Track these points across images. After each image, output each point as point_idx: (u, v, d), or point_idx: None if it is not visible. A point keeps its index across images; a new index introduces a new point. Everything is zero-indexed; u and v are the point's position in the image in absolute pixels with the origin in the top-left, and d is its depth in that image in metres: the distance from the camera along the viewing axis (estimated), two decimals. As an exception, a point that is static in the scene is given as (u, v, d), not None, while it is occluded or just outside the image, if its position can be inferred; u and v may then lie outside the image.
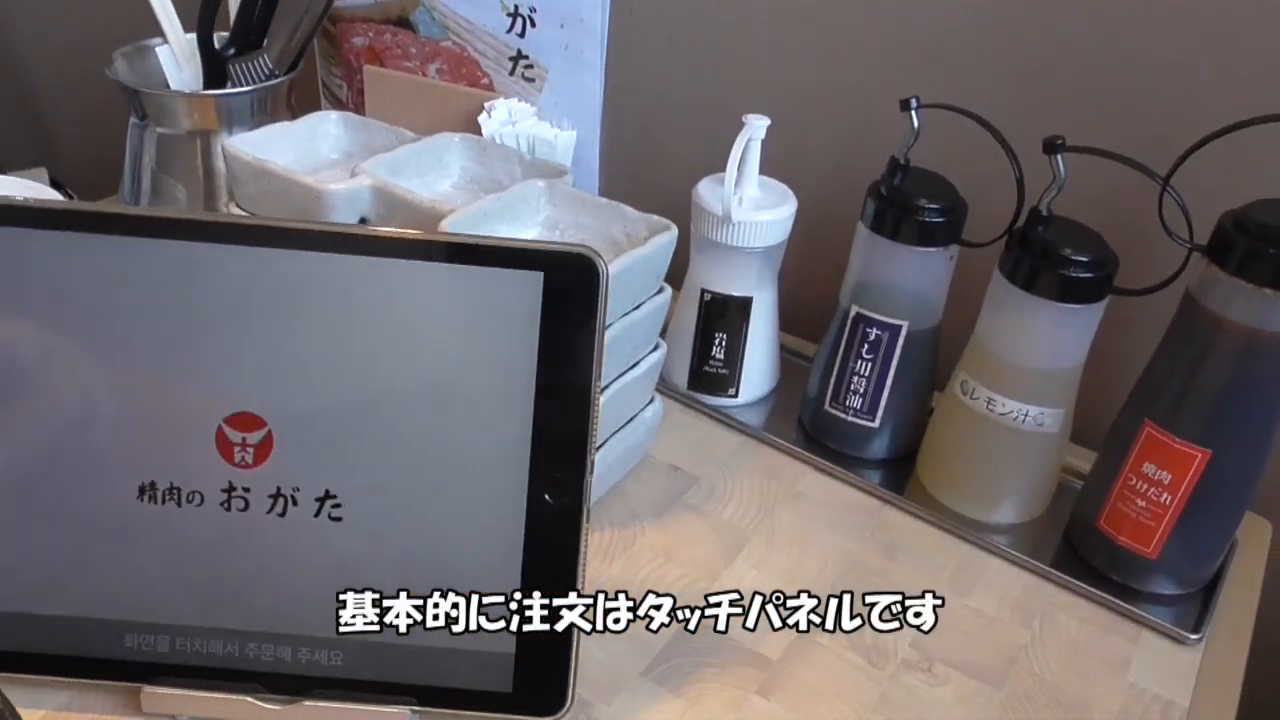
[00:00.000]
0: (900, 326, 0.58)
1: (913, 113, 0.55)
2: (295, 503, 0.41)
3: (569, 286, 0.40)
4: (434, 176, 0.61)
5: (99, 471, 0.41)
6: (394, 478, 0.42)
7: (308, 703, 0.42)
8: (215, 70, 0.70)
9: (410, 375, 0.41)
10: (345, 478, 0.41)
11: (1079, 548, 0.57)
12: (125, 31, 0.74)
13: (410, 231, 0.41)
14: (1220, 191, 0.50)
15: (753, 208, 0.61)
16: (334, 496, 0.41)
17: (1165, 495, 0.51)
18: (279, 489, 0.41)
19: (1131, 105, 0.60)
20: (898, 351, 0.59)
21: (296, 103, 0.73)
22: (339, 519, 0.42)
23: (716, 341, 0.64)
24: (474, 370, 0.41)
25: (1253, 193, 0.48)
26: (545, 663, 0.42)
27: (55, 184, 1.08)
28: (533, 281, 0.40)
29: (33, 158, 1.11)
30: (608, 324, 0.43)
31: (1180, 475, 0.51)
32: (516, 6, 0.70)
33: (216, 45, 0.70)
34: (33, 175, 1.02)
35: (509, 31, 0.71)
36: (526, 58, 0.71)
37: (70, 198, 1.09)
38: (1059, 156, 0.50)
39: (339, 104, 0.82)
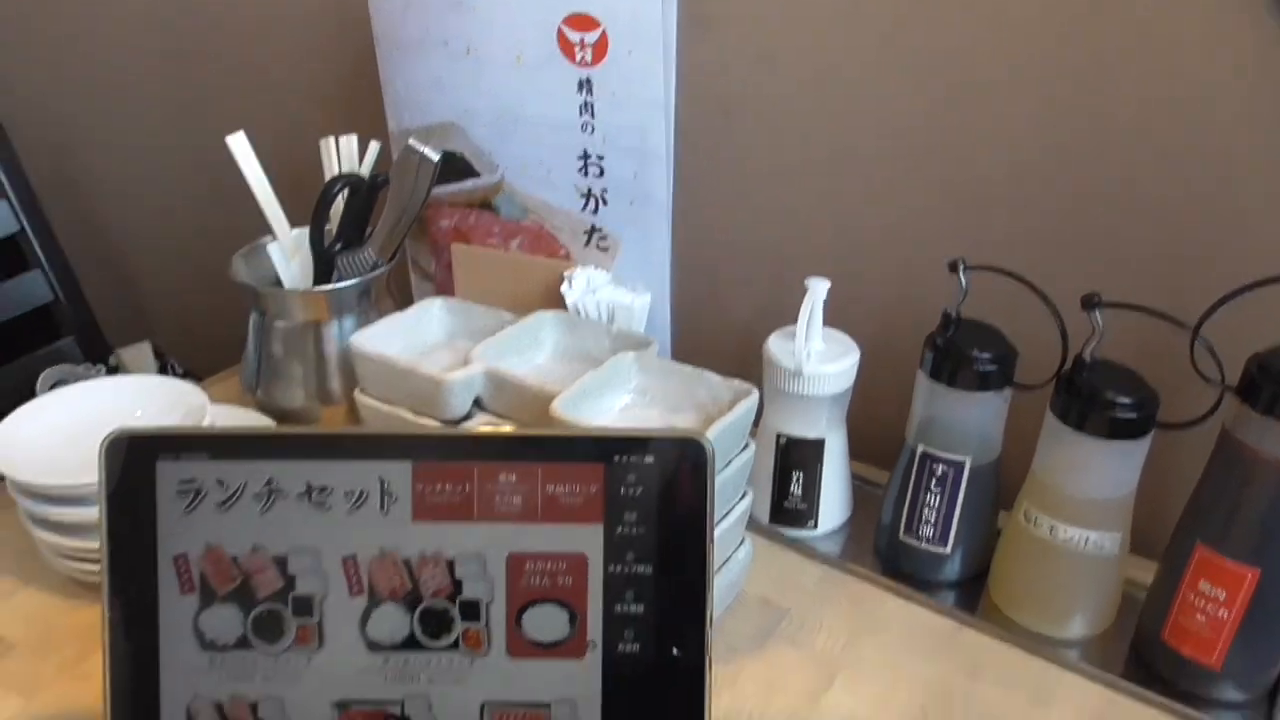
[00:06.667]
0: (963, 462, 0.64)
1: (960, 273, 0.62)
2: None
3: (682, 464, 0.47)
4: (532, 352, 0.69)
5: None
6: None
7: None
8: (324, 263, 0.78)
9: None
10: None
11: (1147, 659, 0.62)
12: (219, 220, 0.82)
13: (558, 431, 0.48)
14: (1249, 329, 0.55)
15: (820, 360, 0.67)
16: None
17: (1222, 610, 0.56)
18: None
19: (1161, 259, 0.66)
20: (964, 484, 0.65)
21: (393, 285, 0.81)
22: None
23: (794, 479, 0.71)
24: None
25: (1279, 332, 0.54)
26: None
27: (158, 354, 1.17)
28: (651, 463, 0.47)
29: (137, 332, 1.20)
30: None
31: (1234, 592, 0.56)
32: (590, 189, 0.78)
33: (324, 242, 0.78)
34: (138, 349, 1.11)
35: (583, 210, 0.79)
36: (600, 230, 0.79)
37: (174, 370, 1.17)
38: (1096, 311, 0.57)
39: (428, 277, 0.90)
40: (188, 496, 0.47)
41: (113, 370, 1.15)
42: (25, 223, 1.11)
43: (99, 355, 1.16)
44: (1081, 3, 0.63)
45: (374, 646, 0.48)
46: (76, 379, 1.06)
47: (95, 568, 0.63)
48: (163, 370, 1.18)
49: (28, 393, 1.05)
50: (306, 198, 0.79)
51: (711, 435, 0.54)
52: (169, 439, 0.48)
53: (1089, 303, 0.56)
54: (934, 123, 0.71)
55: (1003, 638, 0.64)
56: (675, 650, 0.48)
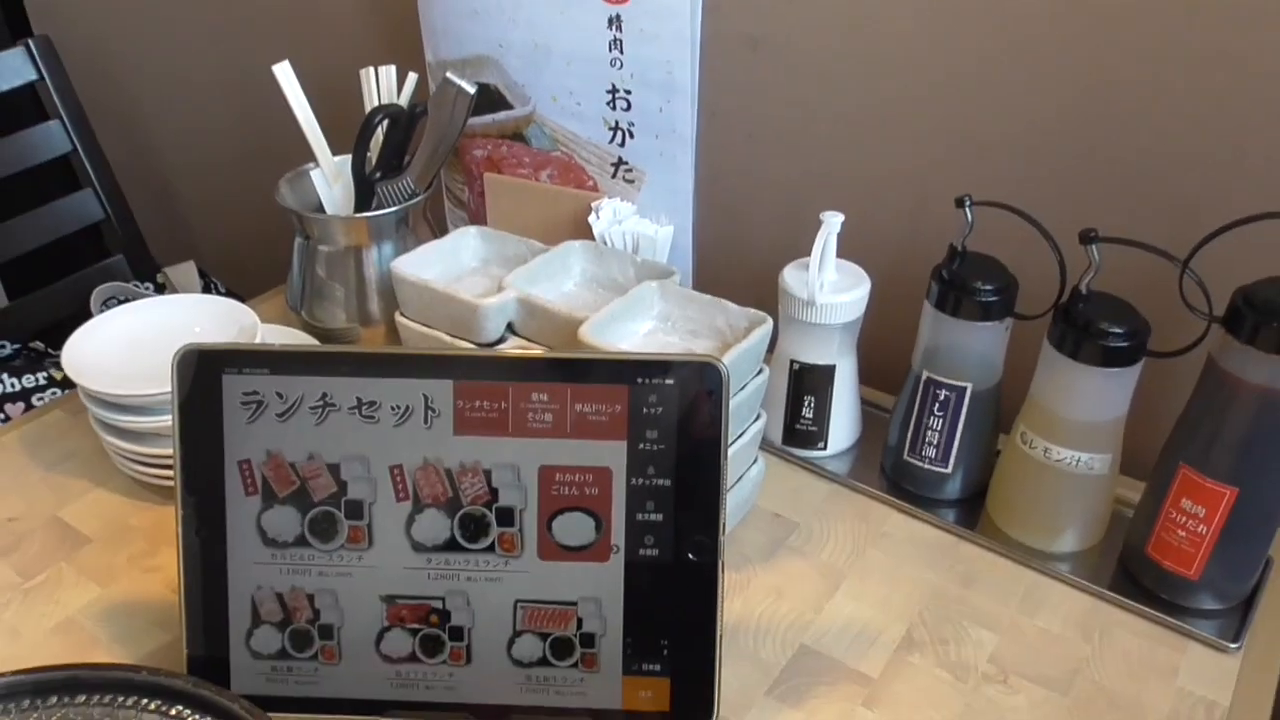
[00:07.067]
0: (965, 388, 0.68)
1: (966, 209, 0.65)
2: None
3: (700, 387, 0.51)
4: (561, 279, 0.73)
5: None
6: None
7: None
8: (364, 190, 0.82)
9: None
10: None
11: (1132, 571, 0.66)
12: (259, 145, 0.86)
13: (586, 354, 0.52)
14: (1236, 265, 0.59)
15: (832, 291, 0.71)
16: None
17: (1201, 526, 0.61)
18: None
19: (1155, 195, 0.69)
20: (964, 408, 0.69)
21: (429, 211, 0.85)
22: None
23: (806, 403, 0.75)
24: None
25: (1263, 268, 0.58)
26: (696, 685, 0.53)
27: (201, 274, 1.22)
28: (671, 385, 0.51)
29: (180, 253, 1.25)
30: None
31: (1213, 509, 0.60)
32: (617, 122, 0.81)
33: (365, 170, 0.82)
34: (184, 268, 1.16)
35: (611, 143, 0.82)
36: (627, 163, 0.83)
37: (217, 289, 1.22)
38: (1094, 245, 0.60)
39: (461, 204, 0.94)
40: (250, 407, 0.52)
41: (160, 288, 1.20)
42: (77, 143, 1.15)
43: (146, 273, 1.21)
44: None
45: (418, 547, 0.53)
46: (128, 296, 1.12)
47: (157, 471, 0.69)
48: (206, 289, 1.23)
49: (81, 305, 1.11)
50: (343, 125, 0.82)
51: (728, 360, 0.58)
52: (233, 354, 0.53)
53: (1087, 237, 0.60)
54: (950, 67, 0.73)
55: (998, 551, 0.69)
56: (691, 556, 0.53)
